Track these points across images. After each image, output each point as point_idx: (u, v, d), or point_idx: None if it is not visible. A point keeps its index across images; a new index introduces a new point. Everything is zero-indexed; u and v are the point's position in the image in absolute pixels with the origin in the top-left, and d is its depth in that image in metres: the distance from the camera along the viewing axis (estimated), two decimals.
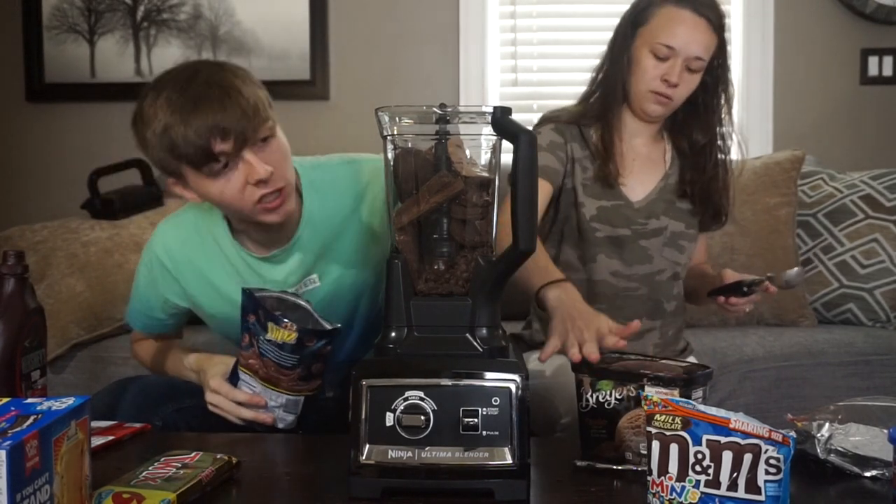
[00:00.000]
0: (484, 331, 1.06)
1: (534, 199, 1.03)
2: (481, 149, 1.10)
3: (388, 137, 1.09)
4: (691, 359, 1.77)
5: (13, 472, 0.76)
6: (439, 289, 1.08)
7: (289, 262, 1.44)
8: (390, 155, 1.10)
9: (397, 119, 1.09)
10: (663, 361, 1.19)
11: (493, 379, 1.01)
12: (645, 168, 1.71)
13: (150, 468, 1.04)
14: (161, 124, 1.26)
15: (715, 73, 1.67)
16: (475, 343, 1.05)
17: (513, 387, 1.01)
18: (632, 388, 1.11)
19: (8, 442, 0.76)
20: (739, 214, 2.38)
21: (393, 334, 1.07)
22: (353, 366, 1.05)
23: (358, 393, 1.02)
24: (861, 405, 1.17)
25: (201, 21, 2.99)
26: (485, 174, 1.10)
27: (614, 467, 1.13)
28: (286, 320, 1.25)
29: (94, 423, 1.18)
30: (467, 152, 1.10)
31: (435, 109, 1.07)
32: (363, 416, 1.01)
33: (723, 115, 1.71)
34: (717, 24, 1.61)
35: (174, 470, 1.04)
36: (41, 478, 0.80)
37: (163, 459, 1.08)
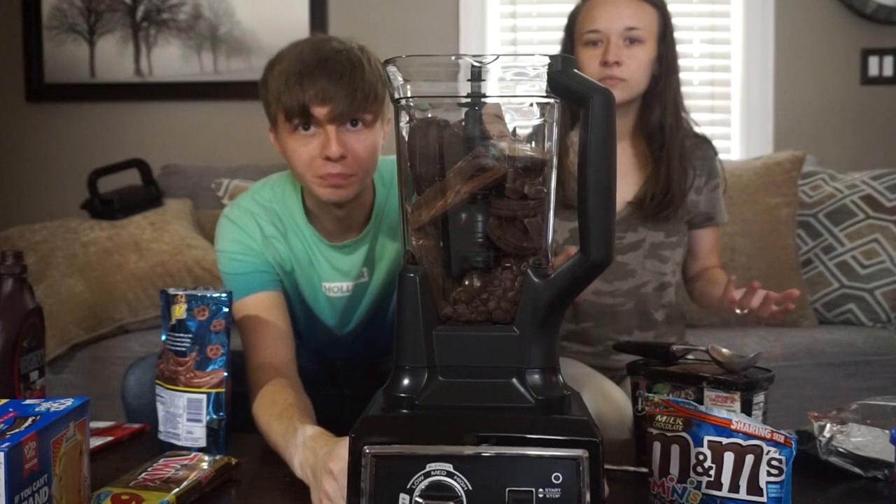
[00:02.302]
0: (537, 375, 0.78)
1: (611, 188, 0.75)
2: (532, 118, 0.82)
3: (401, 102, 0.81)
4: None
5: (12, 474, 0.76)
6: (473, 314, 0.79)
7: (357, 254, 1.46)
8: (404, 127, 0.81)
9: (413, 76, 0.80)
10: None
11: (553, 445, 0.74)
12: (622, 177, 1.65)
13: (150, 469, 1.04)
14: (283, 69, 1.33)
15: (665, 49, 1.63)
16: (525, 392, 0.77)
17: (582, 457, 0.74)
18: (689, 392, 1.06)
19: (6, 443, 0.76)
20: (739, 214, 2.38)
21: (406, 380, 0.78)
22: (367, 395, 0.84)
23: (358, 465, 0.75)
24: (881, 405, 1.16)
25: (201, 21, 2.99)
26: (536, 155, 0.81)
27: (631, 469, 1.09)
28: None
29: (93, 424, 1.18)
30: (511, 123, 0.81)
31: (468, 59, 0.77)
32: (366, 499, 0.74)
33: (678, 97, 1.65)
34: None
35: (173, 471, 1.04)
36: (40, 479, 0.80)
37: (162, 460, 1.08)
